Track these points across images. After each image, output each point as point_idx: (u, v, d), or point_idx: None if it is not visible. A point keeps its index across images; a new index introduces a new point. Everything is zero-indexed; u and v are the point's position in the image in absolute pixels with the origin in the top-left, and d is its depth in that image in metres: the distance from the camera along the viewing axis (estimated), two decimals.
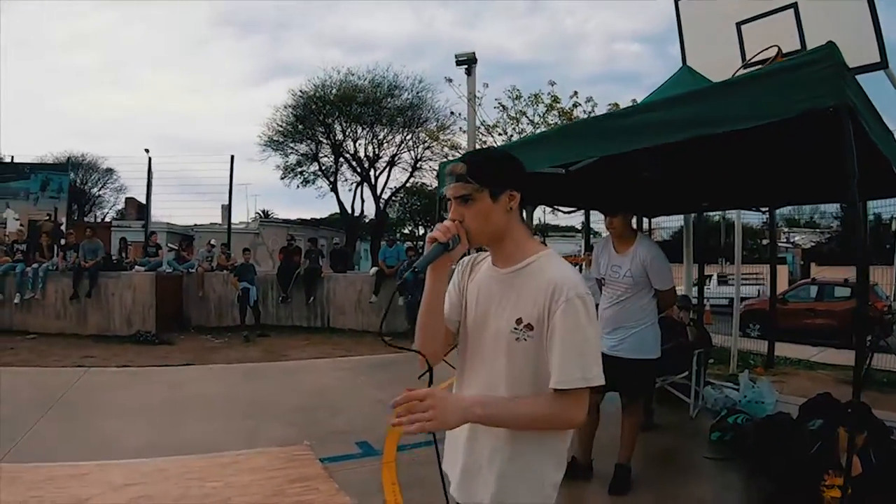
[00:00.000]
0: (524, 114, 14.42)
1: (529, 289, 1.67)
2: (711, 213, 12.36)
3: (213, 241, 15.57)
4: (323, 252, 14.60)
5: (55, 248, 12.97)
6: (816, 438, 4.21)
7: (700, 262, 9.76)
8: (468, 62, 11.62)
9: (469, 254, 1.89)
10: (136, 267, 13.24)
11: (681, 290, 8.02)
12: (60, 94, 61.19)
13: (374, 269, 13.88)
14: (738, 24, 5.93)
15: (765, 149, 4.33)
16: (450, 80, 13.89)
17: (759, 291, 18.15)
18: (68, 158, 19.82)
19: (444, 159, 18.63)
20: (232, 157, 16.15)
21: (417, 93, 28.03)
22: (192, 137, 63.41)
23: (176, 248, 14.95)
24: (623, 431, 4.48)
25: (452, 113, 19.76)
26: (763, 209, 8.32)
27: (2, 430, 5.57)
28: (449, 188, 1.72)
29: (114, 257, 13.26)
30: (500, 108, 14.58)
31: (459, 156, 2.11)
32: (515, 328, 1.66)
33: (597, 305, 4.52)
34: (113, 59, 64.04)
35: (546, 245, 1.81)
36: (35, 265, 12.23)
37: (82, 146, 63.13)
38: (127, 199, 28.96)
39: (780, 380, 8.15)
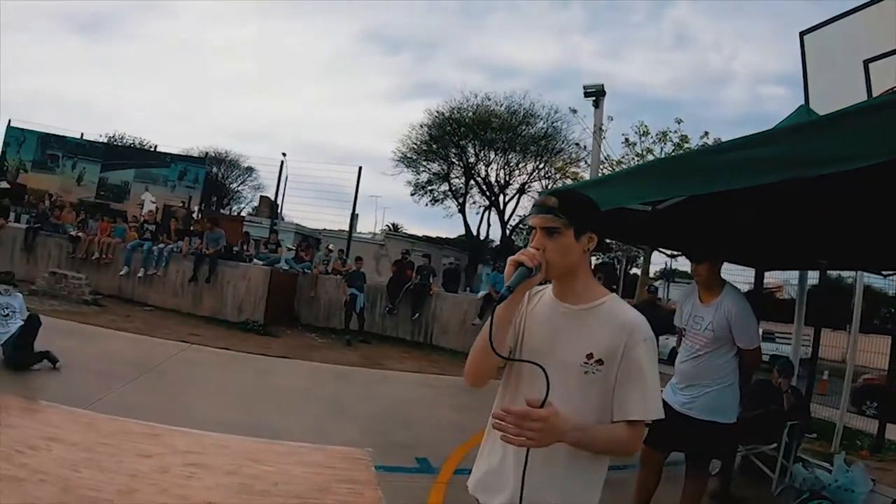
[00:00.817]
0: (651, 151, 14.01)
1: (602, 327, 1.78)
2: (844, 274, 11.38)
3: (330, 247, 16.09)
4: (435, 270, 14.65)
5: (182, 232, 13.81)
6: None
7: (816, 325, 8.95)
8: (596, 94, 11.39)
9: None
10: (255, 260, 13.83)
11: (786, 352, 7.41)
12: (215, 96, 65.86)
13: (482, 293, 13.83)
14: (866, 62, 5.43)
15: (891, 199, 3.58)
16: (574, 112, 13.78)
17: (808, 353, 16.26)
18: (206, 153, 21.24)
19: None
20: (360, 168, 16.71)
21: (552, 123, 27.68)
22: (333, 146, 66.67)
23: (294, 248, 15.54)
24: (683, 497, 4.09)
25: (577, 144, 19.46)
26: (887, 273, 7.35)
27: (96, 384, 5.97)
28: (537, 218, 1.82)
29: (234, 249, 13.89)
30: (626, 143, 14.23)
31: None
32: (586, 362, 1.76)
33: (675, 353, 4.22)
34: (267, 67, 68.47)
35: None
36: (161, 245, 13.11)
37: (230, 144, 67.56)
38: (262, 197, 30.65)
39: (884, 467, 7.25)
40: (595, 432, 1.74)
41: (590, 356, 1.76)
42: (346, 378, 8.78)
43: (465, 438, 5.86)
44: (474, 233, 30.53)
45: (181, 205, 16.62)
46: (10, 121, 17.81)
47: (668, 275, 25.34)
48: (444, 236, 36.81)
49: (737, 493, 5.45)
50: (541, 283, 1.88)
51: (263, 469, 4.34)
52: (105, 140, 22.97)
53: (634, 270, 29.98)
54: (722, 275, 4.16)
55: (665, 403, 3.97)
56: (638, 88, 55.38)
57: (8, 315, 6.34)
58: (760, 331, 4.51)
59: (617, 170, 13.88)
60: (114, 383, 6.12)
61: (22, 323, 6.38)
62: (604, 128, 12.19)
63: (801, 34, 6.48)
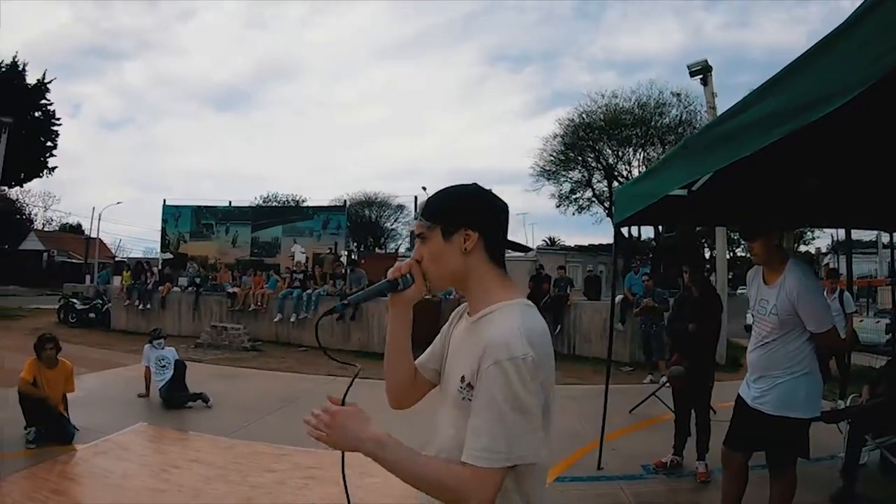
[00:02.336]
0: None
1: (473, 343, 1.48)
2: None
3: None
4: (572, 280, 14.58)
5: (327, 276, 14.86)
6: None
7: None
8: (703, 72, 11.02)
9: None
10: None
11: None
12: (359, 143, 69.78)
13: (619, 297, 13.56)
14: None
15: None
16: (677, 96, 13.12)
17: None
18: (345, 201, 22.60)
19: None
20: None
21: (686, 107, 26.73)
22: (474, 171, 68.32)
23: None
24: (770, 502, 3.66)
25: (694, 127, 18.26)
26: None
27: (242, 416, 6.66)
28: (413, 225, 1.73)
29: None
30: None
31: None
32: (461, 386, 1.48)
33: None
34: (402, 107, 71.60)
35: (520, 297, 1.55)
36: (309, 290, 14.18)
37: (380, 186, 71.25)
38: (411, 232, 31.91)
39: None
40: (408, 459, 1.42)
41: (462, 379, 1.47)
42: None
43: (580, 445, 5.88)
44: (626, 235, 29.90)
45: (328, 251, 17.83)
46: (164, 200, 20.30)
47: (836, 248, 22.79)
48: (597, 243, 36.29)
49: (867, 493, 4.68)
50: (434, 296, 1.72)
51: (370, 481, 4.71)
52: (260, 202, 25.22)
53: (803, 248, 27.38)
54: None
55: (739, 398, 3.79)
56: (772, 54, 51.46)
57: (165, 366, 7.37)
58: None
59: None
60: (257, 414, 6.82)
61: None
62: (714, 105, 11.65)
63: None
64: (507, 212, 1.60)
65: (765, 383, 3.56)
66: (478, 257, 1.53)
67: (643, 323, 10.75)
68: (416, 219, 1.67)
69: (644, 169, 27.70)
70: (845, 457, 4.66)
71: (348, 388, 1.55)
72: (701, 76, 11.11)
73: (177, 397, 7.17)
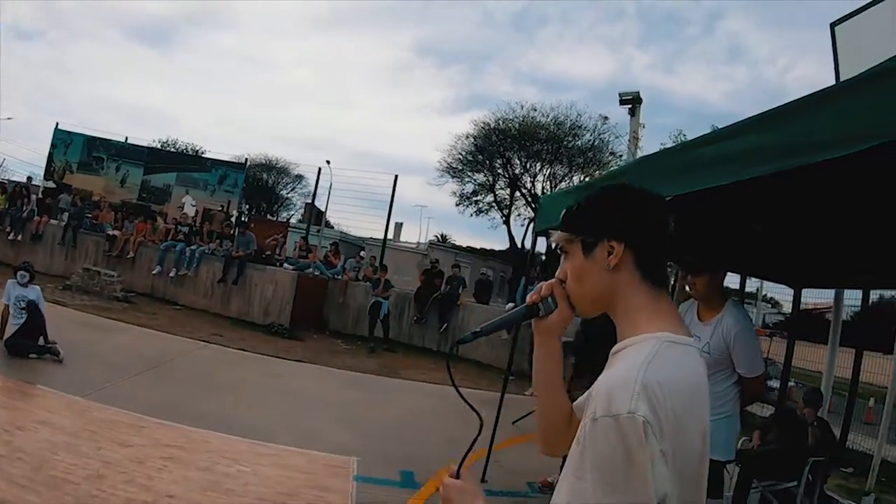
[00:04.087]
0: None
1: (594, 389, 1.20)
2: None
3: (362, 254, 16.16)
4: (465, 281, 14.60)
5: (214, 234, 14.19)
6: None
7: (858, 347, 8.30)
8: (632, 101, 11.32)
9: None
10: (286, 265, 14.07)
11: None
12: (270, 104, 67.71)
13: (510, 305, 13.70)
14: None
15: None
16: (606, 119, 13.49)
17: None
18: (246, 159, 21.59)
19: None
20: (396, 176, 16.82)
21: (599, 135, 27.43)
22: (386, 157, 67.63)
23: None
24: None
25: (613, 154, 19.09)
26: None
27: (103, 375, 6.17)
28: (552, 237, 1.39)
29: (266, 253, 14.15)
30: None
31: None
32: (577, 437, 1.18)
33: None
34: (323, 78, 70.09)
35: (672, 326, 1.24)
36: (194, 247, 13.49)
37: (287, 153, 69.42)
38: (306, 204, 31.07)
39: None
40: None
41: (582, 429, 1.17)
42: (358, 385, 8.83)
43: (461, 453, 5.82)
44: (519, 245, 30.48)
45: (220, 208, 17.04)
46: (57, 123, 18.63)
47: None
48: (489, 248, 36.87)
49: None
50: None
51: (239, 469, 4.47)
52: (157, 145, 23.78)
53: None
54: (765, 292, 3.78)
55: None
56: (693, 103, 54.28)
57: (24, 308, 6.59)
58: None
59: None
60: (120, 375, 6.34)
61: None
62: (639, 136, 12.02)
63: (832, 25, 6.10)
64: (668, 215, 1.27)
65: None
66: (626, 275, 1.23)
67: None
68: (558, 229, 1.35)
69: (549, 185, 28.53)
70: (733, 498, 4.82)
71: (464, 457, 1.36)
72: (630, 106, 11.38)
73: (22, 346, 6.42)
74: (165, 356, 7.73)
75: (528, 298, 1.36)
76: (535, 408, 1.48)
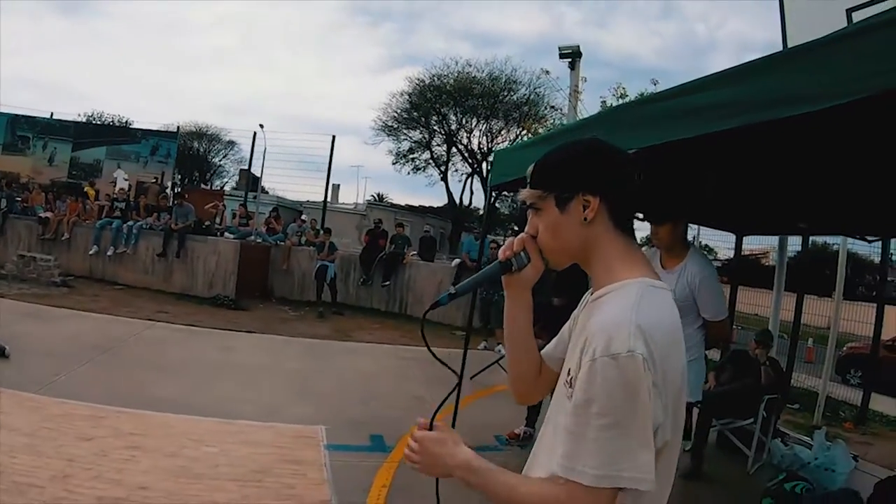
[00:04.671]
0: None
1: (582, 331, 1.27)
2: (830, 240, 11.09)
3: (304, 217, 15.92)
4: (410, 239, 14.60)
5: (152, 208, 13.70)
6: None
7: (799, 292, 8.65)
8: (572, 55, 11.28)
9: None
10: (226, 234, 13.74)
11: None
12: (196, 71, 65.15)
13: (455, 261, 13.76)
14: (849, 11, 5.12)
15: (876, 156, 3.17)
16: (547, 72, 13.51)
17: None
18: (178, 127, 20.85)
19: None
20: (333, 137, 16.60)
21: (535, 89, 27.65)
22: (318, 119, 66.88)
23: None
24: None
25: (553, 107, 19.22)
26: (871, 239, 6.81)
27: (52, 367, 5.96)
28: (520, 194, 1.42)
29: (206, 223, 13.79)
30: (604, 106, 14.11)
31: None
32: (566, 380, 1.25)
33: None
34: (249, 41, 67.62)
35: (646, 274, 1.29)
36: (130, 222, 13.01)
37: (213, 119, 67.17)
38: (241, 170, 30.29)
39: (867, 441, 7.11)
40: (494, 479, 1.26)
41: (568, 372, 1.26)
42: (312, 351, 8.80)
43: (427, 413, 5.89)
44: (457, 201, 30.57)
45: (154, 180, 16.46)
46: None
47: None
48: (427, 205, 36.94)
49: (711, 470, 5.15)
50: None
51: (206, 451, 4.41)
52: (81, 119, 22.67)
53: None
54: (703, 241, 3.88)
55: None
56: (624, 58, 54.99)
57: None
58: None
59: None
60: (70, 365, 6.12)
61: None
62: (580, 90, 12.07)
63: None
64: (634, 165, 1.33)
65: None
66: (601, 226, 1.30)
67: (484, 290, 10.91)
68: (525, 186, 1.37)
69: (486, 140, 28.57)
70: (694, 438, 5.01)
71: (437, 408, 1.44)
72: (570, 60, 11.34)
73: None
74: (113, 340, 7.51)
75: (500, 254, 1.39)
76: (507, 360, 1.54)
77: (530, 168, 1.38)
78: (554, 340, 1.53)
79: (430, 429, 1.38)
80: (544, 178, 1.34)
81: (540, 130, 24.68)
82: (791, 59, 2.29)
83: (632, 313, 1.15)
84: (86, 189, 15.59)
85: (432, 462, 1.34)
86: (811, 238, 8.49)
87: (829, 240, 11.77)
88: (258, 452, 4.52)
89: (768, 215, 5.87)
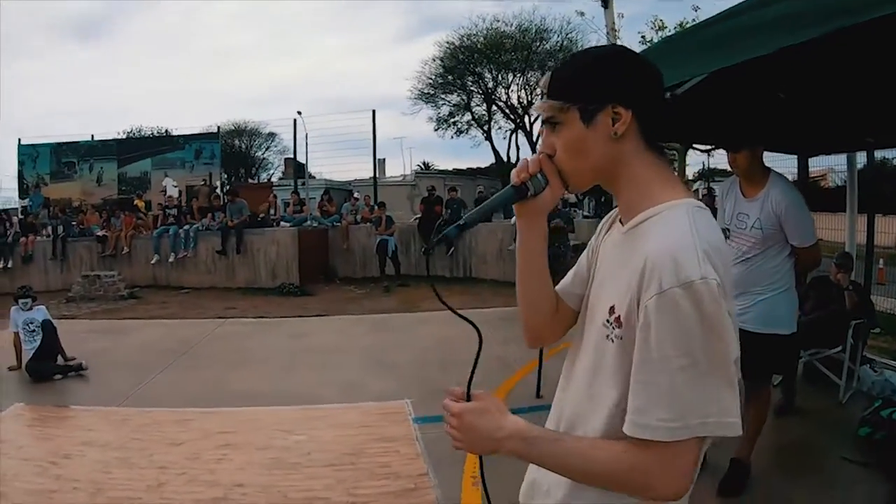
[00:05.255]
0: None
1: (628, 262, 1.10)
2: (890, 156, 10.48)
3: (356, 195, 15.90)
4: (465, 202, 14.42)
5: (206, 209, 13.81)
6: None
7: (870, 212, 8.33)
8: None
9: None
10: (282, 223, 13.78)
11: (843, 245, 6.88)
12: (226, 70, 65.62)
13: (514, 219, 13.50)
14: None
15: None
16: (582, 14, 13.01)
17: None
18: (218, 127, 20.95)
19: None
20: (373, 111, 16.47)
21: (567, 34, 27.08)
22: (351, 97, 65.76)
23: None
24: (747, 419, 3.41)
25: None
26: None
27: (131, 378, 6.02)
28: (535, 108, 1.28)
29: (260, 216, 13.85)
30: (643, 41, 13.51)
31: None
32: (608, 320, 1.12)
33: None
34: (275, 31, 67.50)
35: (688, 195, 1.15)
36: (186, 226, 13.14)
37: (250, 114, 67.77)
38: (286, 159, 30.48)
39: None
40: (559, 452, 1.11)
41: (611, 310, 1.11)
42: (384, 326, 8.72)
43: (510, 373, 5.74)
44: (504, 159, 30.20)
45: (203, 182, 16.62)
46: (19, 139, 18.06)
47: (708, 175, 24.34)
48: (475, 167, 36.61)
49: (802, 404, 4.91)
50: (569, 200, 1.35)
51: (295, 439, 4.34)
52: (122, 136, 23.13)
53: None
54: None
55: None
56: None
57: (34, 330, 6.32)
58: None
59: None
60: (148, 374, 6.16)
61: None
62: (616, 28, 11.56)
63: None
64: (662, 80, 1.19)
65: (746, 300, 3.46)
66: (631, 144, 1.13)
67: (557, 244, 10.57)
68: (541, 99, 1.18)
69: (524, 93, 28.04)
70: (784, 374, 4.73)
71: (472, 374, 1.23)
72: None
73: (44, 368, 6.16)
74: (186, 343, 7.56)
75: (513, 177, 1.21)
76: (519, 296, 1.37)
77: (546, 77, 1.19)
78: (570, 274, 1.37)
79: (468, 399, 1.20)
80: (567, 88, 1.14)
81: None
82: None
83: (693, 237, 1.02)
84: (135, 203, 15.83)
85: (477, 437, 1.16)
86: (873, 153, 7.98)
87: (888, 154, 11.09)
88: (347, 434, 4.43)
89: (833, 132, 5.48)
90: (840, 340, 5.10)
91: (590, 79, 1.13)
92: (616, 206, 1.26)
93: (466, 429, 1.16)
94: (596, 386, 1.14)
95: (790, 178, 7.13)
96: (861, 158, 7.71)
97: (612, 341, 1.09)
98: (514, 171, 1.21)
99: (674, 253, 0.99)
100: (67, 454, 4.09)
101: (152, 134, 29.92)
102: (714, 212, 4.03)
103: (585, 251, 1.36)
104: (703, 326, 0.96)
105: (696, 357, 0.97)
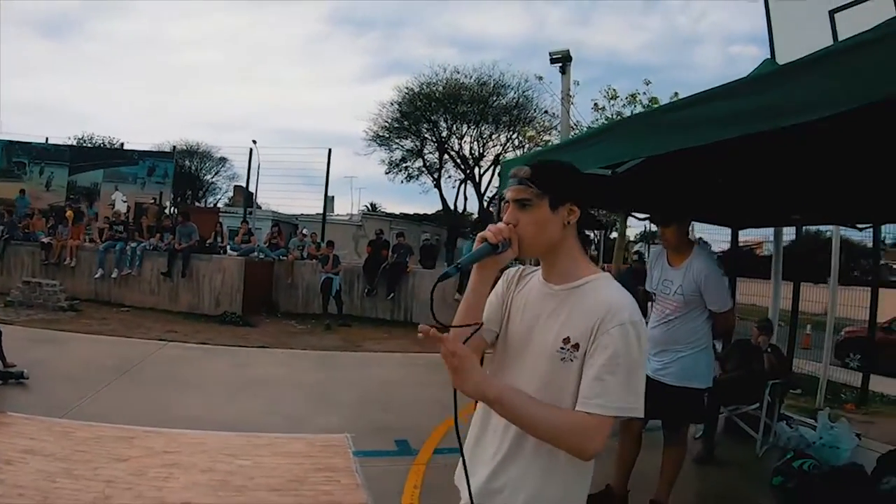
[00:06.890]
0: (621, 115, 13.94)
1: (582, 308, 1.59)
2: (823, 228, 11.23)
3: (304, 231, 15.95)
4: (411, 248, 14.64)
5: (153, 229, 13.67)
6: (890, 501, 3.77)
7: (796, 280, 8.69)
8: (562, 60, 11.28)
9: (514, 265, 1.84)
10: (229, 251, 13.77)
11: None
12: (185, 89, 65.04)
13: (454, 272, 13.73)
14: (831, 13, 5.22)
15: (862, 150, 3.43)
16: (540, 78, 13.58)
17: None
18: (174, 147, 20.86)
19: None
20: (329, 150, 16.67)
21: (523, 92, 27.70)
22: (307, 131, 66.10)
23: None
24: (663, 465, 3.98)
25: (546, 112, 19.36)
26: (862, 226, 6.96)
27: (72, 391, 5.97)
28: (509, 190, 1.66)
29: (208, 241, 13.81)
30: (596, 108, 14.12)
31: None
32: (563, 347, 1.58)
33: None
34: (236, 57, 67.46)
35: (603, 269, 1.74)
36: (133, 244, 13.01)
37: (203, 136, 67.05)
38: (235, 186, 30.37)
39: (868, 420, 7.22)
40: (528, 404, 1.54)
41: (566, 340, 1.57)
42: (326, 363, 8.80)
43: (446, 416, 5.92)
44: (451, 207, 30.60)
45: (152, 201, 16.47)
46: None
47: (648, 237, 25.39)
48: (422, 212, 36.97)
49: (721, 455, 5.37)
50: (519, 262, 1.82)
51: (240, 464, 4.43)
52: (73, 142, 22.67)
53: (614, 235, 30.13)
54: (697, 235, 4.08)
55: None
56: (609, 55, 54.82)
57: None
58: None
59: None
60: (91, 388, 6.12)
61: None
62: (571, 93, 12.10)
63: None
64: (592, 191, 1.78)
65: (667, 357, 3.89)
66: (572, 231, 1.67)
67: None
68: (516, 184, 1.65)
69: (477, 145, 28.65)
70: (704, 425, 5.28)
71: (470, 335, 1.62)
72: (560, 64, 11.36)
73: None
74: (129, 361, 7.50)
75: (490, 237, 1.59)
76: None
77: (526, 169, 1.64)
78: (486, 313, 1.74)
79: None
80: (545, 182, 1.62)
81: (530, 133, 24.88)
82: (793, 72, 2.40)
83: (625, 294, 1.60)
84: (81, 210, 15.49)
85: (467, 379, 1.52)
86: (804, 227, 8.61)
87: (822, 227, 11.88)
88: (291, 463, 4.54)
89: (763, 209, 6.09)
90: (758, 398, 5.56)
91: (563, 180, 1.65)
92: (536, 269, 1.77)
93: (465, 371, 1.51)
94: (547, 395, 1.58)
95: (725, 246, 7.68)
96: (791, 232, 8.39)
97: (571, 361, 1.56)
98: (489, 233, 1.59)
99: (622, 303, 1.55)
100: (9, 460, 4.08)
101: (104, 143, 29.45)
102: (644, 273, 4.50)
103: (494, 298, 1.79)
104: (640, 347, 1.53)
105: (631, 366, 1.51)
